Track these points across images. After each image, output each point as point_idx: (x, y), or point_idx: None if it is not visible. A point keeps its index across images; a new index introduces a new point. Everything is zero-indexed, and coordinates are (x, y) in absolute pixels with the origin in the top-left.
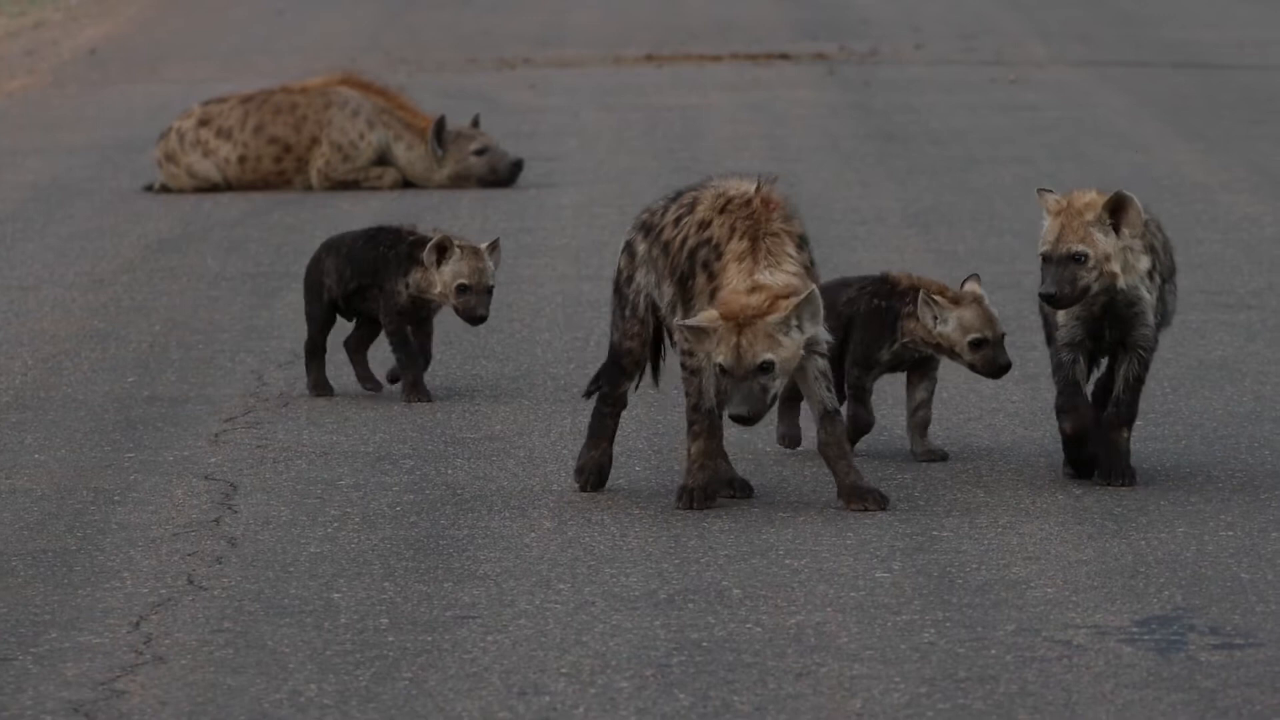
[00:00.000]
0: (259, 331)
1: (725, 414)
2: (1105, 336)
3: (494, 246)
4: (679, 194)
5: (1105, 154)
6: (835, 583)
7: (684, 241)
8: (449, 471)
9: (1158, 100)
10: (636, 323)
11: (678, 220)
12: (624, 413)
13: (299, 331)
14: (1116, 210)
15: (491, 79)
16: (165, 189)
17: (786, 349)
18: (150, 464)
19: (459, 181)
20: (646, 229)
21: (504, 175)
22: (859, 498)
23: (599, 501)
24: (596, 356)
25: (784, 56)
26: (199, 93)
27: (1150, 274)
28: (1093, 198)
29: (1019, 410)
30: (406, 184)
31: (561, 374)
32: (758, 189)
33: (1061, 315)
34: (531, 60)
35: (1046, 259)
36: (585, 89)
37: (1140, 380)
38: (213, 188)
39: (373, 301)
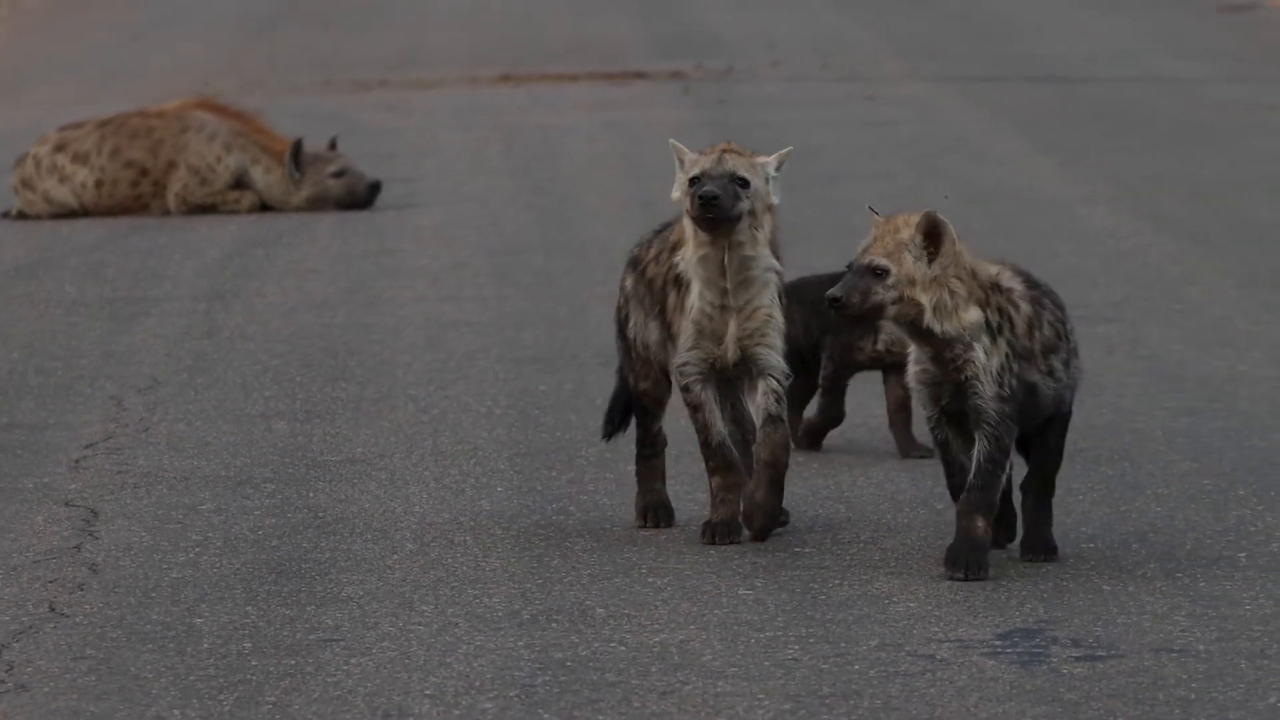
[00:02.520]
0: (118, 357)
1: None
2: (944, 402)
3: None
4: (665, 226)
5: (964, 168)
6: (699, 600)
7: (664, 276)
8: (310, 495)
9: (1014, 114)
10: (641, 362)
11: (658, 256)
12: (487, 433)
13: (158, 357)
14: (929, 235)
15: (348, 101)
16: (22, 215)
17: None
18: (10, 491)
19: (317, 204)
20: (634, 264)
21: (362, 197)
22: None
23: (461, 523)
24: (457, 377)
25: (640, 75)
26: (55, 118)
27: (986, 332)
28: (907, 222)
29: (879, 426)
30: (264, 207)
31: (422, 395)
32: None
33: (912, 379)
34: (388, 82)
35: (848, 268)
36: (442, 110)
37: (993, 462)
38: (70, 213)
39: (832, 351)
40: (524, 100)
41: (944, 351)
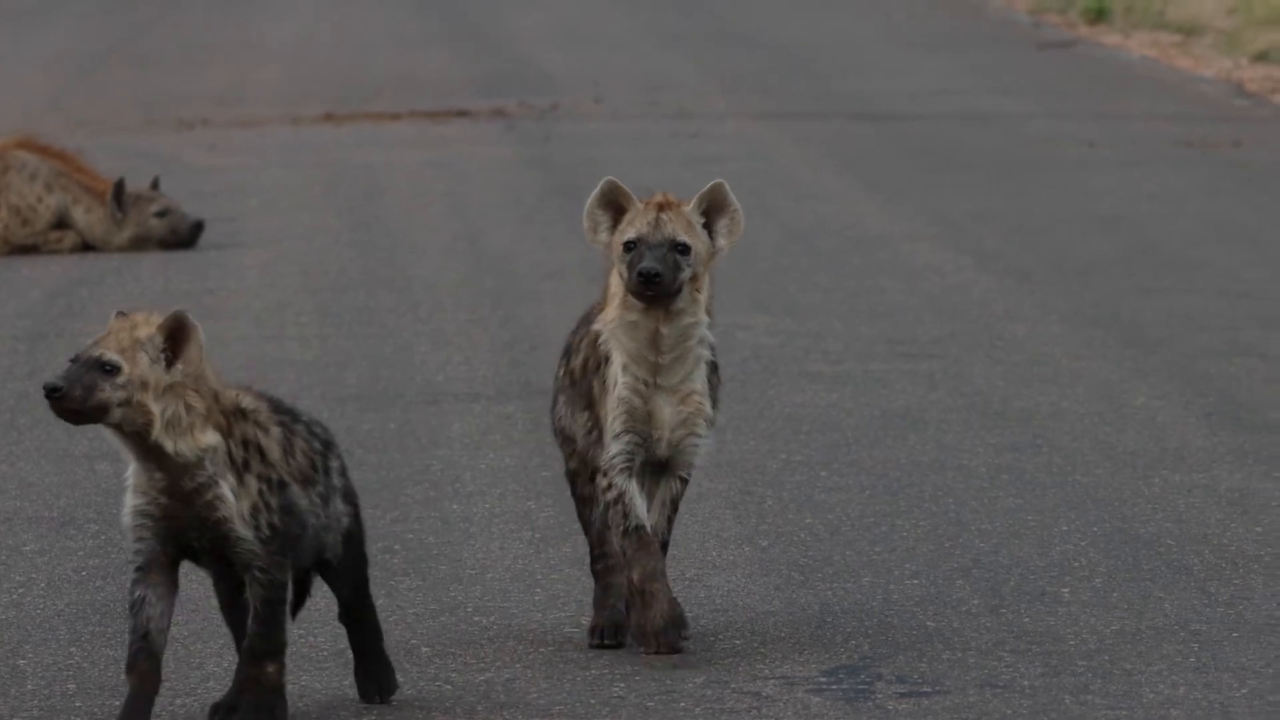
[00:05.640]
0: None
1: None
2: (192, 540)
3: None
4: (590, 310)
5: (788, 205)
6: (524, 639)
7: (586, 362)
8: None
9: (838, 151)
10: (569, 448)
11: (580, 343)
12: None
13: None
14: (172, 336)
15: (170, 140)
16: None
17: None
18: None
19: (140, 243)
20: (566, 352)
21: (185, 236)
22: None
23: None
24: None
25: (463, 113)
26: None
27: (231, 469)
28: (148, 320)
29: (702, 464)
30: (87, 247)
31: None
32: None
33: (130, 515)
34: (210, 121)
35: (74, 360)
36: (265, 148)
37: (270, 604)
38: None
39: None
40: (347, 138)
41: (180, 480)
